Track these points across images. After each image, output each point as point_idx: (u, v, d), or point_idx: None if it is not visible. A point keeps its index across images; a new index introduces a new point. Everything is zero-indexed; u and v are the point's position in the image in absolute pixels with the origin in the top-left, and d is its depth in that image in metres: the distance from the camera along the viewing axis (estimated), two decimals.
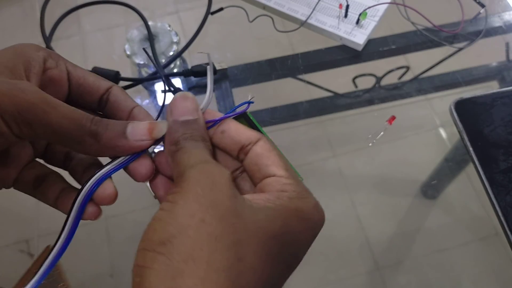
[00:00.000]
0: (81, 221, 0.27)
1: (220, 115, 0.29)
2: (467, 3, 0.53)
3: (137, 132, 0.26)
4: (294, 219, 0.24)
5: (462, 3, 0.52)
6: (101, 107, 0.30)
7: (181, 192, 0.22)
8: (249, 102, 0.28)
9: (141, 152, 0.27)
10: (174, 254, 0.20)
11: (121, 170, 0.27)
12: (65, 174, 0.29)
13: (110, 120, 0.26)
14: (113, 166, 0.27)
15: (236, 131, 0.28)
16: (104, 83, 0.29)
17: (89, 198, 0.26)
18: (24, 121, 0.24)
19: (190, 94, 0.27)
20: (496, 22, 0.53)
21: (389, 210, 0.42)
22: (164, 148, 0.26)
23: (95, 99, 0.29)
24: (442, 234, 0.41)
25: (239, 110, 0.30)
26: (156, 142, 0.27)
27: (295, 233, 0.24)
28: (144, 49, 0.31)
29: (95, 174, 0.26)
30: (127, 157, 0.27)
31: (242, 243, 0.21)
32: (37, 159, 0.30)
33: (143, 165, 0.27)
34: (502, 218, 0.39)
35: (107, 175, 0.27)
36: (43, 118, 0.24)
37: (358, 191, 0.43)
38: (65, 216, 0.26)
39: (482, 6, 0.52)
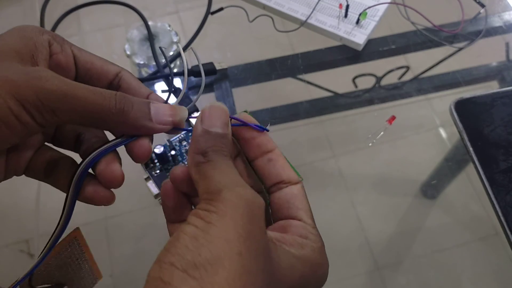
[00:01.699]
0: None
1: (271, 145, 0.28)
2: (467, 3, 0.53)
3: (161, 114, 0.26)
4: (311, 273, 0.25)
5: (462, 3, 0.52)
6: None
7: (217, 214, 0.21)
8: (265, 129, 0.28)
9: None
10: (207, 282, 0.19)
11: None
12: (76, 156, 0.29)
13: (133, 97, 0.26)
14: (112, 144, 0.26)
15: (282, 166, 0.27)
16: (113, 68, 0.29)
17: (87, 172, 0.26)
18: (47, 109, 0.23)
19: (224, 106, 0.26)
20: (496, 22, 0.53)
21: (389, 210, 0.42)
22: (188, 156, 0.25)
23: (105, 84, 0.28)
24: (442, 234, 0.41)
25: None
26: (174, 129, 0.27)
27: (308, 285, 0.25)
28: (160, 48, 0.30)
29: (95, 150, 0.26)
30: (127, 137, 0.27)
31: (269, 285, 0.21)
32: (47, 144, 0.29)
33: (142, 146, 0.26)
34: (502, 218, 0.39)
35: (107, 151, 0.26)
36: (66, 103, 0.23)
37: (358, 191, 0.43)
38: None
39: (482, 6, 0.52)
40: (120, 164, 0.27)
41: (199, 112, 0.26)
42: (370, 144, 0.45)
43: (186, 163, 0.32)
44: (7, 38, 0.25)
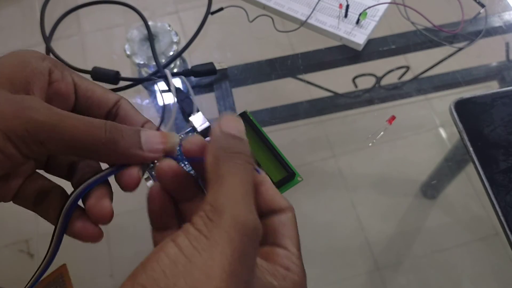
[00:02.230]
0: None
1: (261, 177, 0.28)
2: (467, 3, 0.53)
3: (151, 141, 0.25)
4: None
5: (462, 3, 0.52)
6: (109, 120, 0.28)
7: (209, 240, 0.20)
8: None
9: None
10: None
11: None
12: (68, 185, 0.28)
13: (123, 125, 0.25)
14: (102, 175, 0.26)
15: (273, 196, 0.27)
16: (113, 96, 0.28)
17: (76, 205, 0.26)
18: (35, 140, 0.23)
19: (239, 117, 0.26)
20: (496, 22, 0.53)
21: (389, 210, 0.42)
22: (208, 150, 0.24)
23: (103, 112, 0.28)
24: (442, 234, 0.41)
25: None
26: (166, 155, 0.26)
27: None
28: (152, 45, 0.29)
29: (84, 182, 0.26)
30: (117, 167, 0.26)
31: None
32: (39, 171, 0.28)
33: (130, 176, 0.26)
34: (502, 218, 0.39)
35: (96, 182, 0.26)
36: (54, 134, 0.23)
37: (358, 191, 0.43)
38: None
39: (482, 6, 0.52)
40: (111, 199, 0.27)
41: (195, 126, 0.25)
42: (370, 144, 0.45)
43: (185, 163, 0.32)
44: (3, 62, 0.25)
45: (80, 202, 0.26)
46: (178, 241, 0.20)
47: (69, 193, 0.27)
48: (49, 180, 0.28)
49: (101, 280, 0.41)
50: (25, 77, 0.25)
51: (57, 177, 0.29)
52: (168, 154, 0.26)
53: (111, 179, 0.27)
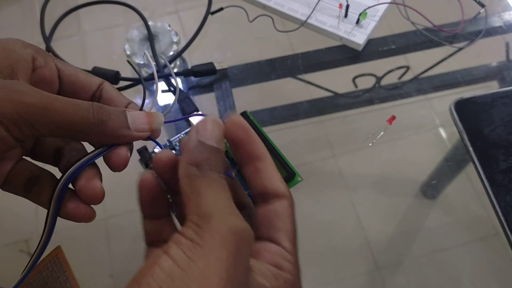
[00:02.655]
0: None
1: (261, 150, 0.27)
2: (467, 3, 0.53)
3: (137, 121, 0.26)
4: None
5: (462, 3, 0.52)
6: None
7: (202, 248, 0.20)
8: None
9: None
10: None
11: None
12: (55, 171, 0.29)
13: (109, 107, 0.26)
14: (91, 156, 0.26)
15: (270, 176, 0.26)
16: (96, 80, 0.29)
17: (67, 187, 0.26)
18: (25, 122, 0.23)
19: (219, 120, 0.25)
20: (496, 22, 0.53)
21: (389, 210, 0.42)
22: (180, 166, 0.24)
23: (88, 96, 0.29)
24: (442, 234, 0.41)
25: None
26: (152, 135, 0.27)
27: None
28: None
29: (74, 164, 0.26)
30: (105, 148, 0.27)
31: None
32: (25, 157, 0.28)
33: (119, 155, 0.26)
34: (502, 218, 0.39)
35: (86, 164, 0.26)
36: (44, 116, 0.23)
37: (358, 191, 0.43)
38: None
39: (482, 6, 0.52)
40: (101, 179, 0.27)
41: (193, 125, 0.25)
42: (370, 144, 0.45)
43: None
44: None
45: (70, 185, 0.27)
46: (172, 253, 0.20)
47: (58, 177, 0.27)
48: (37, 165, 0.28)
49: (101, 280, 0.41)
50: (10, 64, 0.25)
51: (43, 164, 0.29)
52: (153, 132, 0.27)
53: (100, 162, 0.27)
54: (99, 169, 0.28)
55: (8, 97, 0.23)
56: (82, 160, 0.26)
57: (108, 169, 0.28)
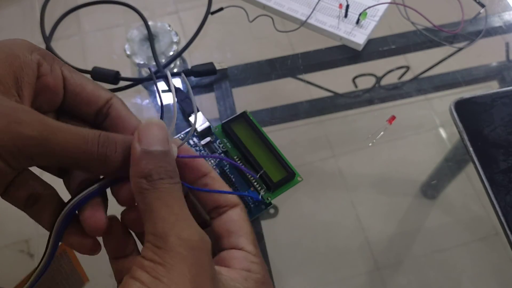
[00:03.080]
0: None
1: (189, 151, 0.27)
2: (467, 3, 0.53)
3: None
4: None
5: (462, 3, 0.52)
6: (99, 119, 0.27)
7: (164, 267, 0.21)
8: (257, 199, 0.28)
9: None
10: None
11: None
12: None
13: (118, 137, 0.24)
14: (96, 187, 0.25)
15: (218, 188, 0.26)
16: (104, 94, 0.27)
17: (71, 216, 0.25)
18: (24, 155, 0.22)
19: (160, 121, 0.24)
20: (496, 22, 0.53)
21: (389, 210, 0.42)
22: (131, 181, 0.23)
23: (93, 110, 0.27)
24: (442, 234, 0.41)
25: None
26: None
27: None
28: (150, 68, 0.28)
29: (73, 198, 0.25)
30: (107, 182, 0.25)
31: None
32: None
33: (129, 191, 0.25)
34: (502, 218, 0.39)
35: (92, 195, 0.25)
36: (45, 149, 0.22)
37: (358, 191, 0.43)
38: None
39: (482, 6, 0.52)
40: (106, 209, 0.26)
41: (135, 132, 0.24)
42: (370, 144, 0.45)
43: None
44: None
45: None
46: (137, 276, 0.21)
47: (61, 196, 0.26)
48: (41, 180, 0.27)
49: (101, 280, 0.40)
50: (13, 71, 0.23)
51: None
52: None
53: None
54: (106, 196, 0.26)
55: (7, 129, 0.21)
56: (87, 191, 0.25)
57: None
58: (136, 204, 0.23)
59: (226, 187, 0.27)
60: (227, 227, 0.26)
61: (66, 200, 0.26)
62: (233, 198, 0.27)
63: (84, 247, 0.26)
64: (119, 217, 0.27)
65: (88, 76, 0.48)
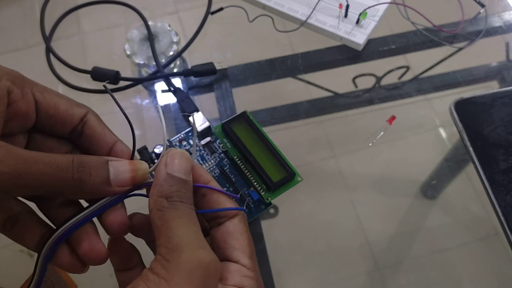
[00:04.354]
0: None
1: (207, 176, 0.27)
2: (467, 3, 0.53)
3: (120, 175, 0.25)
4: None
5: (462, 3, 0.52)
6: (75, 136, 0.27)
7: (168, 283, 0.21)
8: (236, 196, 0.28)
9: (117, 201, 0.25)
10: None
11: None
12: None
13: (91, 160, 0.24)
14: (81, 217, 0.25)
15: (217, 200, 0.27)
16: (78, 111, 0.26)
17: (57, 247, 0.25)
18: None
19: (186, 153, 0.26)
20: (496, 22, 0.53)
21: (389, 210, 0.42)
22: (149, 199, 0.24)
23: (68, 130, 0.27)
24: (442, 234, 0.41)
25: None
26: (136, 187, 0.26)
27: None
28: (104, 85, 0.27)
29: (63, 224, 0.25)
30: (99, 205, 0.25)
31: None
32: None
33: (116, 217, 0.25)
34: (502, 218, 0.39)
35: (76, 227, 0.25)
36: (19, 183, 0.22)
37: (358, 191, 0.43)
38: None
39: (482, 6, 0.52)
40: (98, 234, 0.26)
41: (160, 158, 0.25)
42: (370, 144, 0.45)
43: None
44: None
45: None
46: (147, 285, 0.21)
47: (38, 214, 0.26)
48: (17, 200, 0.26)
49: (101, 280, 0.41)
50: None
51: None
52: (137, 182, 0.26)
53: None
54: (94, 224, 0.26)
55: None
56: (72, 221, 0.25)
57: None
58: (150, 220, 0.24)
59: (224, 197, 0.27)
60: (223, 238, 0.26)
61: (44, 218, 0.25)
62: (232, 210, 0.27)
63: (75, 267, 0.26)
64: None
65: (88, 76, 0.49)
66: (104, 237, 0.26)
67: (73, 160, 0.23)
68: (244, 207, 0.36)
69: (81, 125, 0.27)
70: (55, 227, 0.25)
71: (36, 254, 0.25)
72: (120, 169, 0.25)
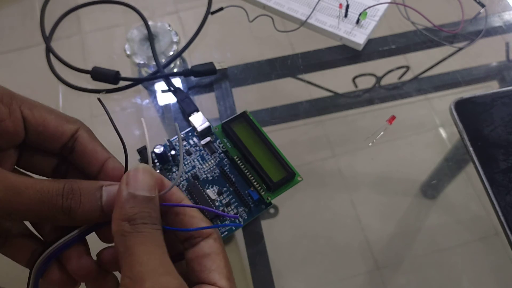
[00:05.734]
0: None
1: (182, 196, 0.26)
2: (467, 3, 0.53)
3: (113, 200, 0.24)
4: None
5: (462, 3, 0.52)
6: (65, 152, 0.26)
7: None
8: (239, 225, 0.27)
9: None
10: None
11: None
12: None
13: (83, 186, 0.23)
14: (70, 237, 0.25)
15: (190, 219, 0.25)
16: (68, 128, 0.26)
17: (48, 265, 0.24)
18: None
19: (151, 168, 0.24)
20: (496, 22, 0.53)
21: (389, 210, 0.42)
22: (112, 223, 0.23)
23: (57, 147, 0.26)
24: (442, 234, 0.41)
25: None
26: None
27: None
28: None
29: (52, 244, 0.24)
30: (87, 228, 0.25)
31: None
32: None
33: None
34: (502, 218, 0.39)
35: (66, 247, 0.24)
36: (9, 210, 0.21)
37: (358, 191, 0.43)
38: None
39: (482, 6, 0.52)
40: (89, 252, 0.26)
41: (125, 175, 0.24)
42: (370, 144, 0.45)
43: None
44: None
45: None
46: None
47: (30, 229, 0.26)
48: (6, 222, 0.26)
49: None
50: None
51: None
52: None
53: None
54: (85, 241, 0.26)
55: None
56: (61, 241, 0.24)
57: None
58: (115, 247, 0.23)
59: (200, 217, 0.26)
60: (199, 260, 0.25)
61: (34, 232, 0.25)
62: (206, 229, 0.25)
63: (66, 284, 0.25)
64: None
65: (88, 76, 0.49)
66: (95, 250, 0.26)
67: (64, 187, 0.23)
68: (238, 216, 0.35)
69: (72, 141, 0.26)
70: (47, 242, 0.25)
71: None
72: (113, 194, 0.24)
